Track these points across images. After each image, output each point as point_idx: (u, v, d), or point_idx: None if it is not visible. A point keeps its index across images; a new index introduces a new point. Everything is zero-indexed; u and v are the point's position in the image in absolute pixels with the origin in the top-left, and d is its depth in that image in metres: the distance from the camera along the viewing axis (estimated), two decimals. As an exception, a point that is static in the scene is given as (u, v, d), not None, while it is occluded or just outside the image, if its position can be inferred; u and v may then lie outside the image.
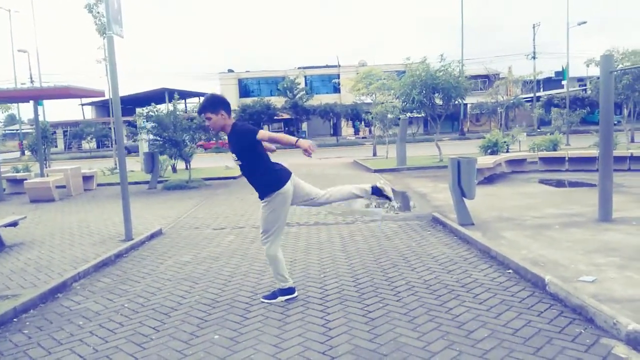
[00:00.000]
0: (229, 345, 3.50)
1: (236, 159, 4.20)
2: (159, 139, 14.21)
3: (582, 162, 13.05)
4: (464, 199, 6.95)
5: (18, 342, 3.75)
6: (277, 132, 4.15)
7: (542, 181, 11.49)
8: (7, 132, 56.95)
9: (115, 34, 7.01)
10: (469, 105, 41.43)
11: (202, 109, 4.17)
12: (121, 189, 7.22)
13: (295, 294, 4.40)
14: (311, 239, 6.73)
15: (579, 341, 3.26)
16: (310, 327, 3.72)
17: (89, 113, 53.65)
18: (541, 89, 48.01)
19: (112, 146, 28.32)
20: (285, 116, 42.39)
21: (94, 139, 43.85)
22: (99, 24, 18.48)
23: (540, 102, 39.19)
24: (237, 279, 5.06)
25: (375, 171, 15.64)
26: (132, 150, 39.95)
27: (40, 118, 19.60)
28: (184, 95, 46.57)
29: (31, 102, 14.58)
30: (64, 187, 13.19)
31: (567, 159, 13.35)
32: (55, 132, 42.85)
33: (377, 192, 4.55)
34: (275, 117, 41.20)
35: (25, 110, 53.11)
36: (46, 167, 15.43)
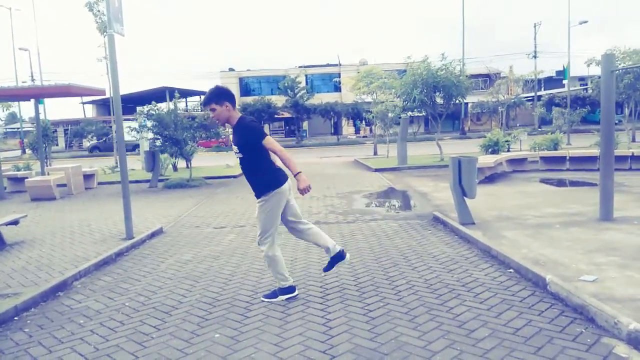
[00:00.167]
0: (229, 344, 3.50)
1: (237, 151, 4.19)
2: (159, 137, 14.21)
3: (583, 162, 13.04)
4: (465, 198, 6.95)
5: (19, 340, 3.76)
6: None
7: (543, 180, 11.48)
8: (8, 130, 57.01)
9: (116, 32, 7.00)
10: (469, 105, 41.39)
11: (207, 101, 4.18)
12: (122, 187, 7.22)
13: (296, 293, 4.40)
14: (312, 238, 6.72)
15: (579, 341, 3.26)
16: (311, 326, 3.72)
17: (90, 111, 53.67)
18: (542, 88, 47.98)
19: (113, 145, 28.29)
20: (286, 115, 42.36)
21: (95, 138, 43.82)
22: (99, 22, 18.50)
23: (541, 102, 39.16)
24: (237, 278, 5.06)
25: (376, 170, 15.63)
26: (128, 148, 39.91)
27: (41, 116, 19.62)
28: (185, 94, 46.60)
29: (32, 100, 14.57)
30: (64, 185, 13.20)
31: (568, 158, 13.35)
32: (56, 131, 42.83)
33: (336, 258, 4.48)
34: (276, 116, 41.17)
35: (26, 109, 53.22)
36: (47, 166, 15.43)
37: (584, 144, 18.78)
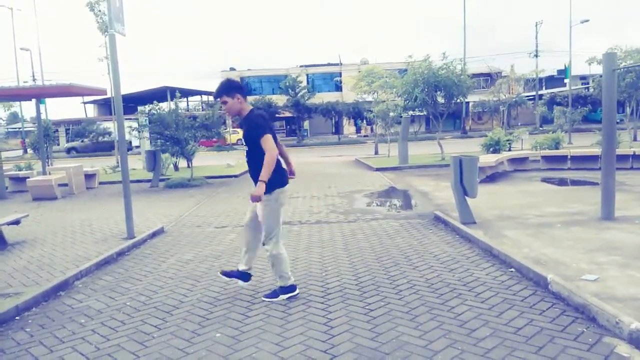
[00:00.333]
0: (230, 343, 3.50)
1: (244, 144, 4.21)
2: (160, 137, 14.21)
3: (584, 161, 13.02)
4: (466, 197, 6.94)
5: (20, 340, 3.76)
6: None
7: (544, 180, 11.47)
8: (9, 130, 57.08)
9: (117, 32, 7.01)
10: (471, 104, 41.33)
11: (219, 93, 4.18)
12: (123, 187, 7.23)
13: (297, 292, 4.40)
14: (313, 238, 6.73)
15: (581, 340, 3.25)
16: (312, 326, 3.72)
17: (91, 111, 53.72)
18: (543, 87, 47.89)
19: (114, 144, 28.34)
20: (287, 114, 42.35)
21: (96, 137, 43.85)
22: (100, 22, 18.52)
23: (542, 101, 39.09)
24: (238, 277, 5.05)
25: (377, 169, 15.62)
26: (106, 148, 39.90)
27: (43, 116, 19.63)
28: (186, 93, 46.62)
29: (33, 100, 14.58)
30: (66, 185, 13.21)
31: (569, 157, 13.33)
32: (57, 130, 42.86)
33: (240, 276, 4.51)
34: (277, 116, 41.15)
35: (27, 109, 53.30)
36: (48, 165, 15.45)
37: (586, 143, 18.75)
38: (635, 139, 21.06)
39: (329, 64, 51.49)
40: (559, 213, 7.30)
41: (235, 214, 8.87)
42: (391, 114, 19.97)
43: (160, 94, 39.17)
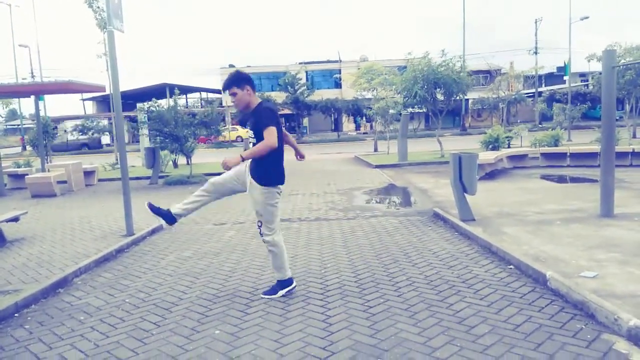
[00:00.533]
0: (229, 340, 3.50)
1: (253, 136, 4.17)
2: (159, 134, 14.20)
3: (583, 158, 13.03)
4: (465, 194, 6.94)
5: (19, 337, 3.76)
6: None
7: (543, 177, 11.47)
8: (8, 127, 56.97)
9: (115, 28, 6.99)
10: (470, 101, 41.33)
11: (228, 85, 4.14)
12: (122, 184, 7.22)
13: (294, 284, 4.41)
14: (312, 235, 6.73)
15: (579, 337, 3.25)
16: (311, 322, 3.72)
17: (90, 108, 53.62)
18: (543, 85, 47.87)
19: (113, 141, 28.34)
20: (287, 111, 42.31)
21: (95, 134, 43.80)
22: (99, 18, 18.46)
23: (542, 98, 39.09)
24: (237, 275, 5.06)
25: (377, 167, 15.62)
26: (91, 147, 39.91)
27: (42, 113, 19.60)
28: (185, 90, 46.56)
29: (32, 97, 14.55)
30: (65, 182, 13.20)
31: (568, 154, 13.33)
32: (56, 127, 42.82)
33: (167, 218, 4.52)
34: (277, 112, 41.10)
35: (26, 105, 53.18)
36: (47, 162, 15.43)
37: (585, 140, 18.76)
38: (634, 136, 21.06)
39: (328, 61, 51.41)
40: (558, 210, 7.30)
41: (234, 211, 8.87)
42: (390, 111, 19.97)
43: (159, 91, 39.16)
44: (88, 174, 14.46)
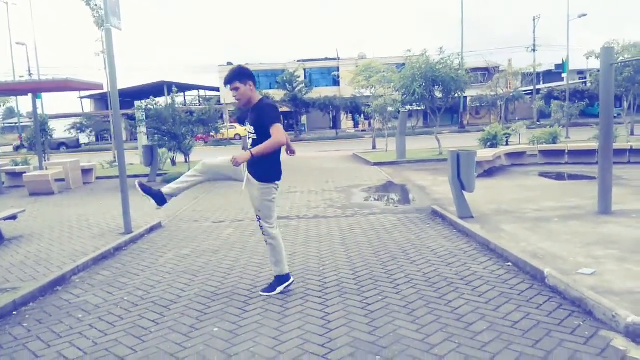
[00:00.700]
0: (228, 337, 3.50)
1: (252, 132, 4.15)
2: (157, 132, 14.18)
3: (581, 155, 13.05)
4: (464, 192, 6.94)
5: (17, 335, 3.76)
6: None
7: (541, 174, 11.49)
8: (5, 125, 56.83)
9: (113, 26, 6.96)
10: (468, 98, 41.34)
11: (230, 79, 4.11)
12: (120, 182, 7.21)
13: (292, 280, 4.42)
14: (310, 232, 6.73)
15: (577, 333, 3.26)
16: (310, 320, 3.72)
17: (88, 106, 53.50)
18: (541, 82, 47.89)
19: (111, 139, 28.30)
20: (285, 109, 42.25)
21: (93, 132, 43.75)
22: (97, 16, 18.38)
23: (540, 95, 39.11)
24: (236, 272, 5.06)
25: (375, 164, 15.62)
26: (70, 146, 39.56)
27: (39, 111, 19.55)
28: (183, 88, 46.42)
29: (30, 95, 14.52)
30: (63, 180, 13.17)
31: (566, 152, 13.35)
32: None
33: (157, 198, 4.52)
34: (275, 110, 41.04)
35: (24, 104, 52.99)
36: (45, 161, 15.40)
37: (583, 138, 18.78)
38: (632, 134, 21.08)
39: (326, 59, 51.34)
40: (557, 207, 7.31)
41: (233, 209, 8.86)
42: (389, 108, 19.94)
43: (157, 89, 39.02)
44: (86, 172, 14.43)
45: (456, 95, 17.71)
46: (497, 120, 32.92)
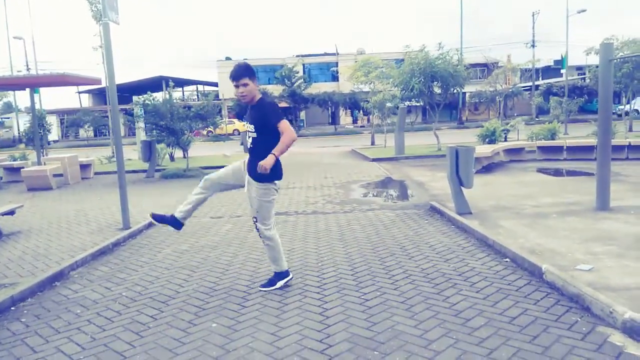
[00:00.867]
0: (226, 333, 3.51)
1: (252, 130, 4.15)
2: (155, 127, 14.15)
3: (580, 151, 13.06)
4: (462, 188, 6.95)
5: (16, 330, 3.76)
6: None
7: (540, 170, 11.50)
8: (3, 119, 56.67)
9: (111, 20, 6.94)
10: (467, 94, 41.26)
11: (241, 75, 4.08)
12: (118, 177, 7.20)
13: (291, 276, 4.43)
14: (309, 228, 6.73)
15: (575, 329, 3.27)
16: (308, 316, 3.73)
17: (86, 101, 53.34)
18: (540, 78, 47.85)
19: (109, 135, 28.23)
20: (283, 104, 42.20)
21: (92, 127, 43.66)
22: (94, 10, 18.32)
23: (539, 91, 39.07)
24: (234, 268, 5.06)
25: (374, 160, 15.62)
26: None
27: (37, 106, 19.48)
28: (181, 83, 46.27)
29: (27, 89, 14.47)
30: (61, 175, 13.15)
31: (565, 148, 13.36)
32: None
33: (172, 223, 4.62)
34: (273, 106, 40.97)
35: (21, 98, 52.77)
36: (43, 156, 15.36)
37: (581, 134, 18.80)
38: (630, 130, 21.10)
39: (325, 54, 51.22)
40: (555, 203, 7.32)
41: (231, 205, 8.86)
42: (388, 104, 19.92)
43: (155, 84, 38.93)
44: (84, 167, 14.41)
45: (455, 91, 17.69)
46: (495, 116, 32.89)
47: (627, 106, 21.12)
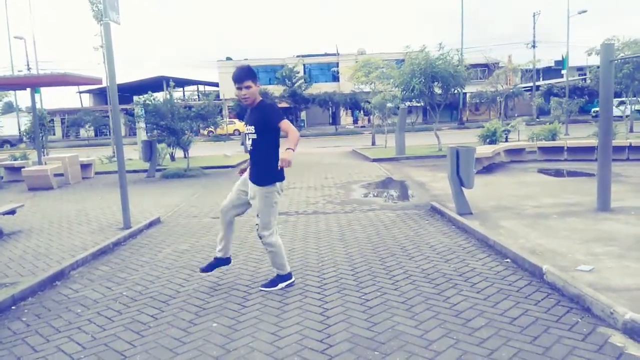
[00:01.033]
0: (227, 333, 3.51)
1: (253, 132, 4.16)
2: (155, 127, 14.16)
3: (580, 152, 13.06)
4: (463, 188, 6.94)
5: (16, 329, 3.76)
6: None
7: (540, 171, 11.49)
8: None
9: (112, 20, 6.94)
10: (468, 95, 41.27)
11: (245, 77, 4.10)
12: (119, 177, 7.20)
13: (293, 279, 4.43)
14: (309, 228, 6.73)
15: (575, 330, 3.27)
16: (308, 316, 3.73)
17: (87, 101, 53.36)
18: (541, 79, 47.83)
19: (110, 134, 28.25)
20: (284, 105, 42.23)
21: (92, 127, 43.68)
22: (95, 10, 18.34)
23: (539, 92, 39.08)
24: (235, 267, 5.06)
25: (374, 160, 15.62)
26: (13, 144, 39.05)
27: (38, 106, 19.48)
28: (182, 83, 46.32)
29: (28, 89, 14.48)
30: (62, 175, 13.16)
31: (566, 148, 13.35)
32: (52, 120, 42.59)
33: (222, 262, 4.61)
34: (274, 106, 40.98)
35: (22, 98, 52.80)
36: (44, 155, 15.37)
37: (582, 134, 18.79)
38: (631, 130, 21.08)
39: (326, 54, 51.22)
40: (556, 204, 7.32)
41: (232, 205, 8.86)
42: (388, 104, 19.92)
43: (156, 84, 38.96)
44: (85, 166, 14.42)
45: (455, 91, 17.67)
46: (496, 116, 32.88)
47: (627, 108, 21.09)
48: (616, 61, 13.95)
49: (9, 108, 52.86)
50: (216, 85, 50.54)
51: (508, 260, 4.83)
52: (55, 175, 12.61)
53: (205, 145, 24.99)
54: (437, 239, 5.80)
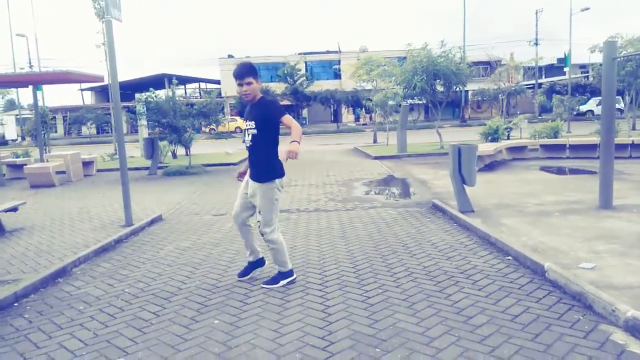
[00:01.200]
0: (228, 330, 3.52)
1: (253, 127, 4.16)
2: (157, 124, 14.17)
3: (583, 150, 13.03)
4: (465, 186, 6.94)
5: (19, 326, 3.77)
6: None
7: (542, 168, 11.47)
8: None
9: (113, 17, 6.94)
10: (470, 92, 41.19)
11: (246, 74, 4.11)
12: (121, 174, 7.21)
13: (295, 276, 4.44)
14: (311, 225, 6.74)
15: (577, 327, 3.27)
16: (310, 313, 3.73)
17: (89, 98, 53.42)
18: (543, 76, 47.71)
19: (112, 132, 28.27)
20: (286, 102, 42.21)
21: (94, 125, 43.74)
22: (97, 7, 18.34)
23: (541, 89, 38.96)
24: (237, 265, 5.06)
25: (376, 158, 15.61)
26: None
27: (40, 103, 19.52)
28: (184, 80, 46.33)
29: (30, 87, 14.49)
30: (63, 172, 13.18)
31: (568, 146, 13.33)
32: (54, 118, 42.66)
33: (255, 265, 4.63)
34: (276, 103, 40.99)
35: (24, 96, 52.88)
36: (46, 153, 15.40)
37: (584, 132, 18.74)
38: (634, 128, 21.04)
39: (327, 52, 51.18)
40: (558, 202, 7.31)
41: (233, 202, 8.85)
42: (390, 102, 19.90)
43: (158, 81, 38.94)
44: (87, 164, 14.44)
45: (457, 89, 17.65)
46: (498, 114, 32.78)
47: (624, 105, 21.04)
48: (619, 59, 13.91)
49: (11, 105, 52.93)
50: (218, 82, 50.53)
51: (510, 257, 4.83)
52: (57, 172, 12.64)
53: (207, 143, 25.01)
54: (439, 237, 5.80)
